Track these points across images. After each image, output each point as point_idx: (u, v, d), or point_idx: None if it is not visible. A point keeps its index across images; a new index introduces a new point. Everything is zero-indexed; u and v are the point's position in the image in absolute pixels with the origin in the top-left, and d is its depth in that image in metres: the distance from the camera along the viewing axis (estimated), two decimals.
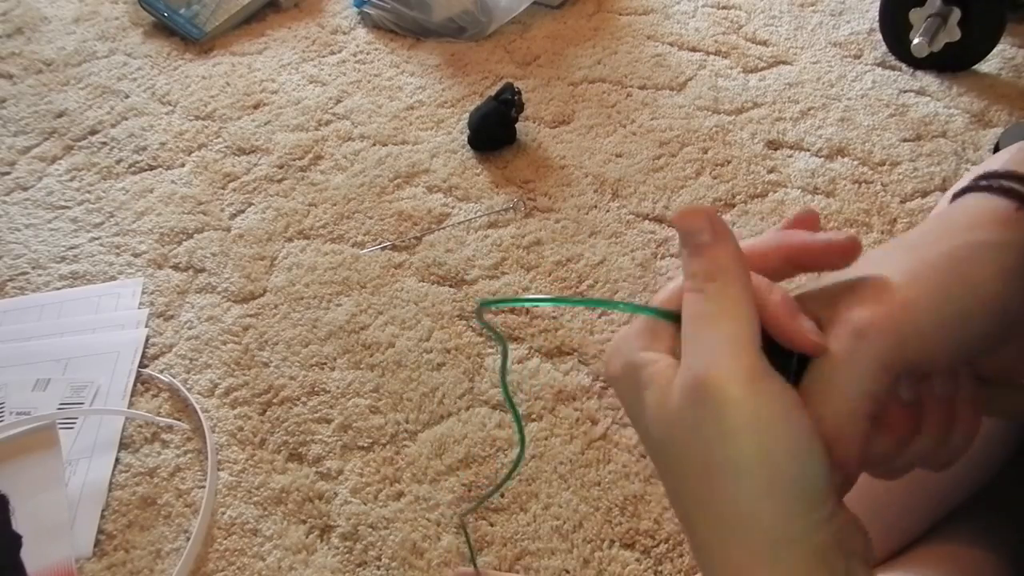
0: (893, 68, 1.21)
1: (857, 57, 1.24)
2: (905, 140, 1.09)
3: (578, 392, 0.80)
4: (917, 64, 1.19)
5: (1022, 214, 0.28)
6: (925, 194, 1.01)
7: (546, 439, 0.77)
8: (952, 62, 1.17)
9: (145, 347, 0.85)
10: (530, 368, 0.82)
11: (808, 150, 1.08)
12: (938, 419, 0.29)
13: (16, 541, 0.68)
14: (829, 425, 0.26)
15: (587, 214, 0.99)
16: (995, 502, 0.50)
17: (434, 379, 0.82)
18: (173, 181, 1.06)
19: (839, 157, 1.06)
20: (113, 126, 1.15)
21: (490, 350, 0.84)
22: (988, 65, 1.19)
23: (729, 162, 1.06)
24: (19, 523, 0.70)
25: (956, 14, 1.13)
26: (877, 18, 1.23)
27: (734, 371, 0.25)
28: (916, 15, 1.16)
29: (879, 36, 1.23)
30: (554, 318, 0.87)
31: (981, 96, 1.15)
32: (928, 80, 1.18)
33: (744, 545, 0.25)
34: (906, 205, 1.00)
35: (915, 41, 1.13)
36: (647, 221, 0.99)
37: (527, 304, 0.29)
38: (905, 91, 1.17)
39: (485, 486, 0.73)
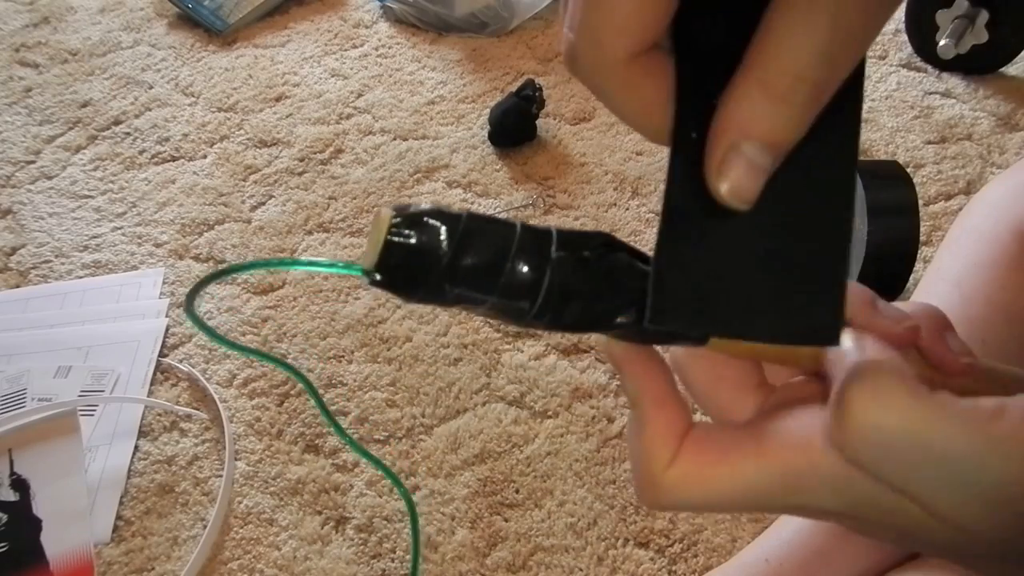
0: (919, 70, 1.20)
1: (882, 58, 1.22)
2: (930, 142, 1.08)
3: (595, 390, 0.80)
4: (943, 66, 1.18)
5: None
6: (949, 197, 1.00)
7: (562, 436, 0.77)
8: (979, 64, 1.16)
9: (165, 337, 0.86)
10: (547, 365, 0.82)
11: None
12: None
13: (36, 525, 0.69)
14: None
15: (606, 212, 0.99)
16: None
17: (451, 374, 0.82)
18: (195, 172, 1.07)
19: (862, 158, 1.05)
20: (137, 116, 1.16)
21: (507, 346, 0.84)
22: (1016, 68, 1.18)
23: None
24: (39, 507, 0.70)
25: (984, 16, 1.12)
26: (903, 19, 1.21)
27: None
28: (943, 16, 1.15)
29: (905, 37, 1.22)
30: None
31: (1008, 99, 1.13)
32: (954, 82, 1.17)
33: None
34: (929, 208, 0.99)
35: (941, 43, 1.12)
36: None
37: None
38: (930, 93, 1.15)
39: (500, 481, 0.74)
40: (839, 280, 0.22)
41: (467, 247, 0.23)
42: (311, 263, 0.25)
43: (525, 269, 0.23)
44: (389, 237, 0.23)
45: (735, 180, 0.20)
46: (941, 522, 0.22)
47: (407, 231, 0.23)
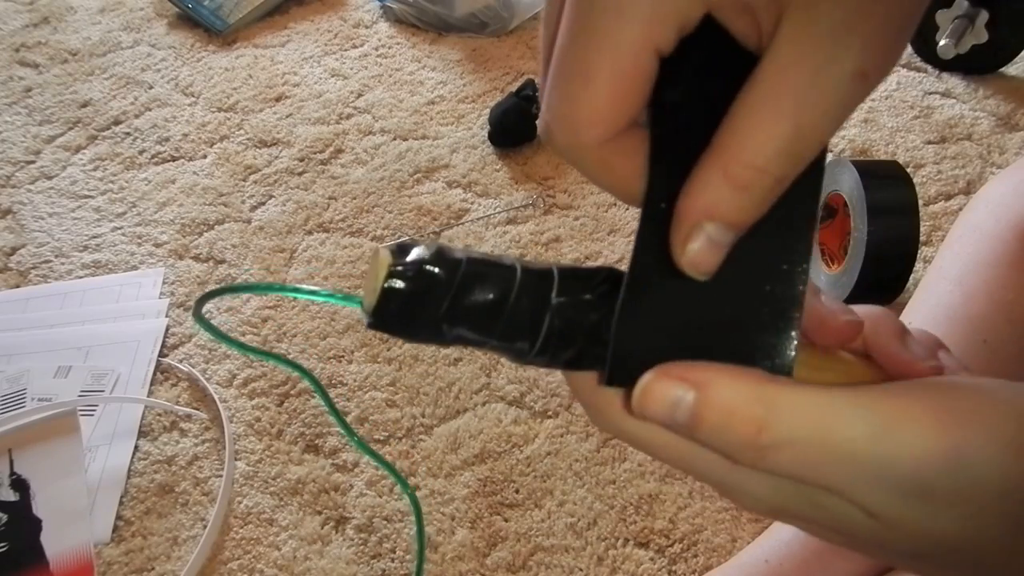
0: (918, 70, 1.20)
1: None
2: (929, 142, 1.08)
3: None
4: (943, 66, 1.18)
5: None
6: (949, 197, 1.00)
7: (562, 436, 0.77)
8: (979, 64, 1.16)
9: (165, 337, 0.86)
10: None
11: (831, 151, 1.07)
12: None
13: (36, 525, 0.69)
14: None
15: (606, 212, 0.99)
16: None
17: (451, 374, 0.82)
18: (195, 172, 1.07)
19: (863, 158, 1.05)
20: (137, 116, 1.16)
21: None
22: (1016, 68, 1.18)
23: None
24: (39, 507, 0.70)
25: (983, 16, 1.12)
26: None
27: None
28: (943, 16, 1.15)
29: None
30: None
31: (1008, 99, 1.13)
32: (954, 82, 1.17)
33: None
34: (929, 208, 0.99)
35: (941, 43, 1.12)
36: None
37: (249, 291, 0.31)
38: (930, 93, 1.15)
39: (500, 481, 0.73)
40: (789, 350, 0.23)
41: (466, 294, 0.23)
42: (312, 292, 0.26)
43: (525, 315, 0.23)
44: (387, 285, 0.23)
45: (696, 254, 0.22)
46: (872, 519, 0.22)
47: (405, 280, 0.23)
